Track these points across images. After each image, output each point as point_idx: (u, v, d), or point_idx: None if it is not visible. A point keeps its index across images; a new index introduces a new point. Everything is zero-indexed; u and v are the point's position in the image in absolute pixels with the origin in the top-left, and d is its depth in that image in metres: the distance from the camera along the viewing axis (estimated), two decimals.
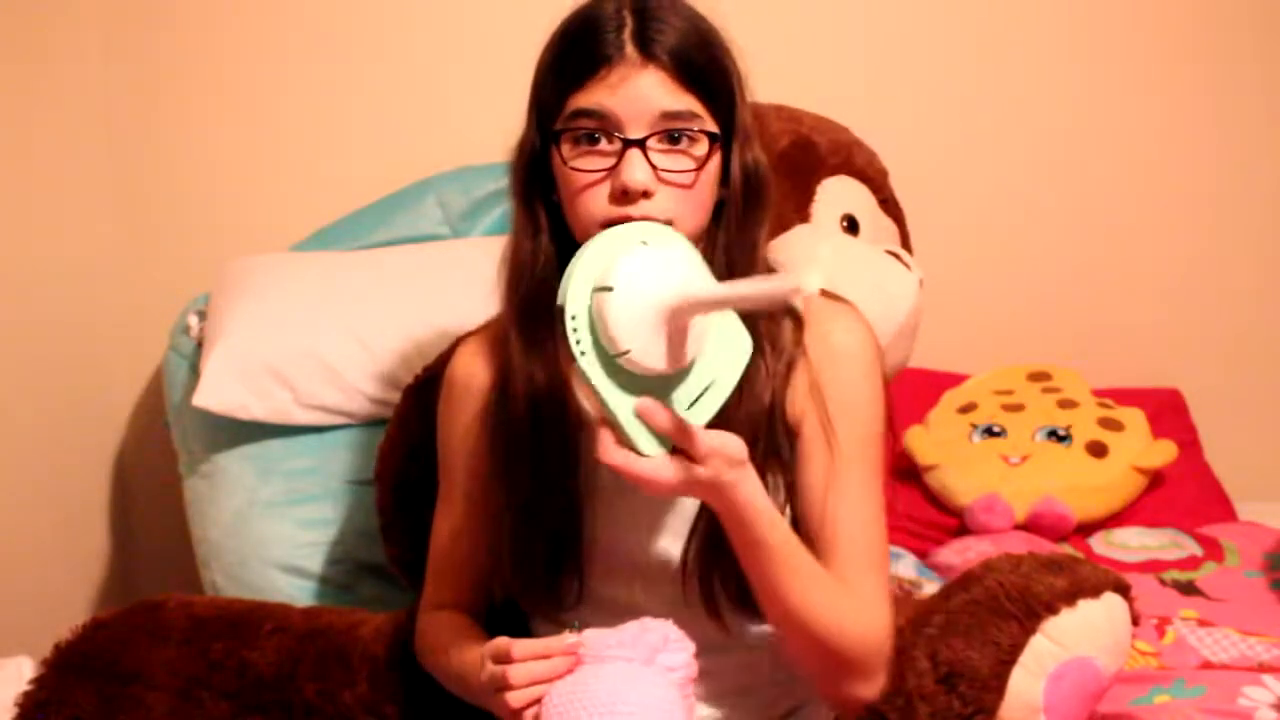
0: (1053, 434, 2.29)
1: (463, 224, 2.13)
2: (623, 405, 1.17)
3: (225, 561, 1.90)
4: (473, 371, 1.44)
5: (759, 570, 1.25)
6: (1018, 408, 2.35)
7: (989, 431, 2.31)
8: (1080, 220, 2.53)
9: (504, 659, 1.22)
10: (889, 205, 2.07)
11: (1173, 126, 2.52)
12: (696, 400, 1.19)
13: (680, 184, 1.27)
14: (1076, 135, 2.51)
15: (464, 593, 1.47)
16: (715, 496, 1.21)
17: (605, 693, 1.16)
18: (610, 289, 1.14)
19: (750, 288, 1.14)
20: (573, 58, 1.28)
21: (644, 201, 1.26)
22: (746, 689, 1.39)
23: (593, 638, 1.20)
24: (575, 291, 1.17)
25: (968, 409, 2.38)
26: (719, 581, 1.32)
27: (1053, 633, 1.38)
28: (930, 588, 1.87)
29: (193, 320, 2.04)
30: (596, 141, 1.27)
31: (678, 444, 1.18)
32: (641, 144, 1.26)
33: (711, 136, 1.28)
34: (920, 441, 2.30)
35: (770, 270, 1.36)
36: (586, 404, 1.29)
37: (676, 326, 1.15)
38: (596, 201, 1.27)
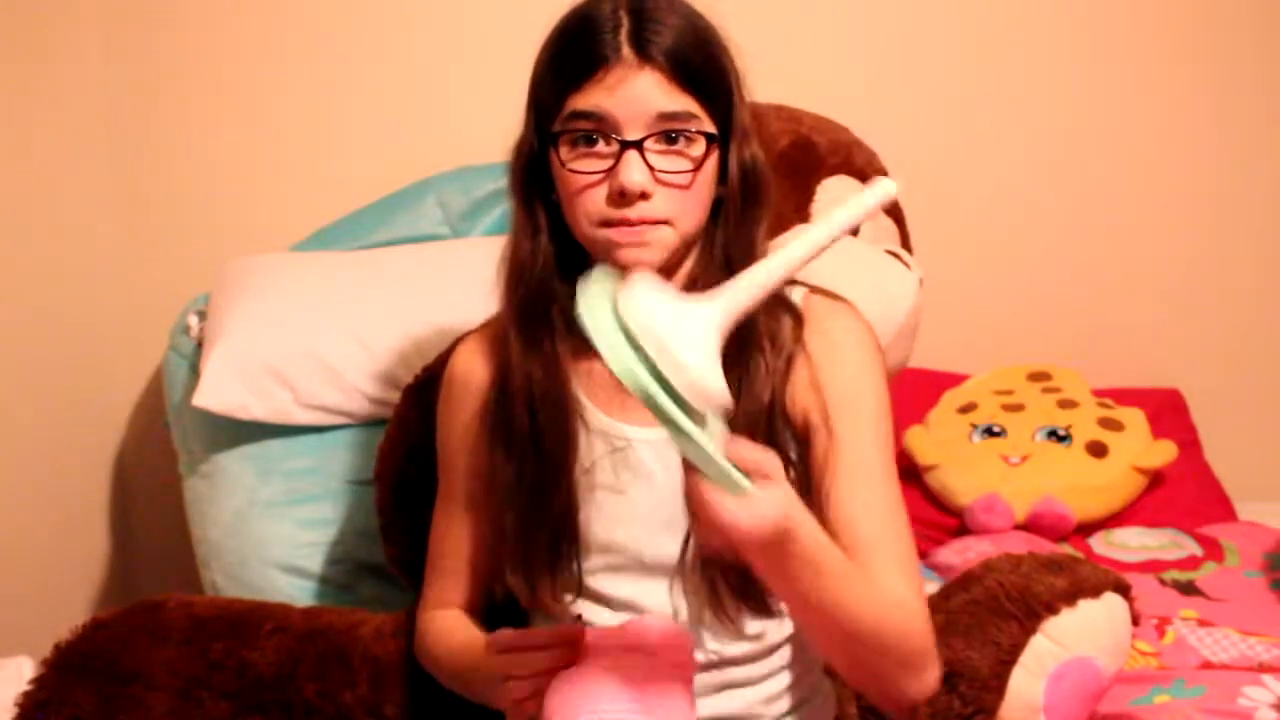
0: (1053, 434, 2.29)
1: (463, 224, 2.13)
2: (715, 451, 1.06)
3: (225, 561, 1.90)
4: (472, 369, 1.44)
5: (810, 589, 1.16)
6: (1018, 408, 2.35)
7: (989, 431, 2.31)
8: (1080, 220, 2.53)
9: (507, 649, 1.23)
10: (889, 205, 2.07)
11: (1173, 126, 2.52)
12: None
13: (678, 184, 1.28)
14: (1076, 135, 2.51)
15: (464, 592, 1.47)
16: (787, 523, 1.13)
17: (607, 683, 1.16)
18: (659, 339, 1.04)
19: (844, 213, 1.09)
20: (570, 59, 1.29)
21: (641, 203, 1.27)
22: (748, 683, 1.39)
23: (595, 633, 1.20)
24: (627, 364, 1.04)
25: (968, 409, 2.38)
26: (719, 575, 1.32)
27: (1053, 633, 1.38)
28: (930, 588, 1.86)
29: (193, 320, 2.04)
30: (594, 143, 1.27)
31: (756, 475, 1.08)
32: (638, 145, 1.26)
33: (709, 137, 1.29)
34: (920, 441, 2.30)
35: None
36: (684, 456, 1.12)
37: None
38: (595, 203, 1.28)
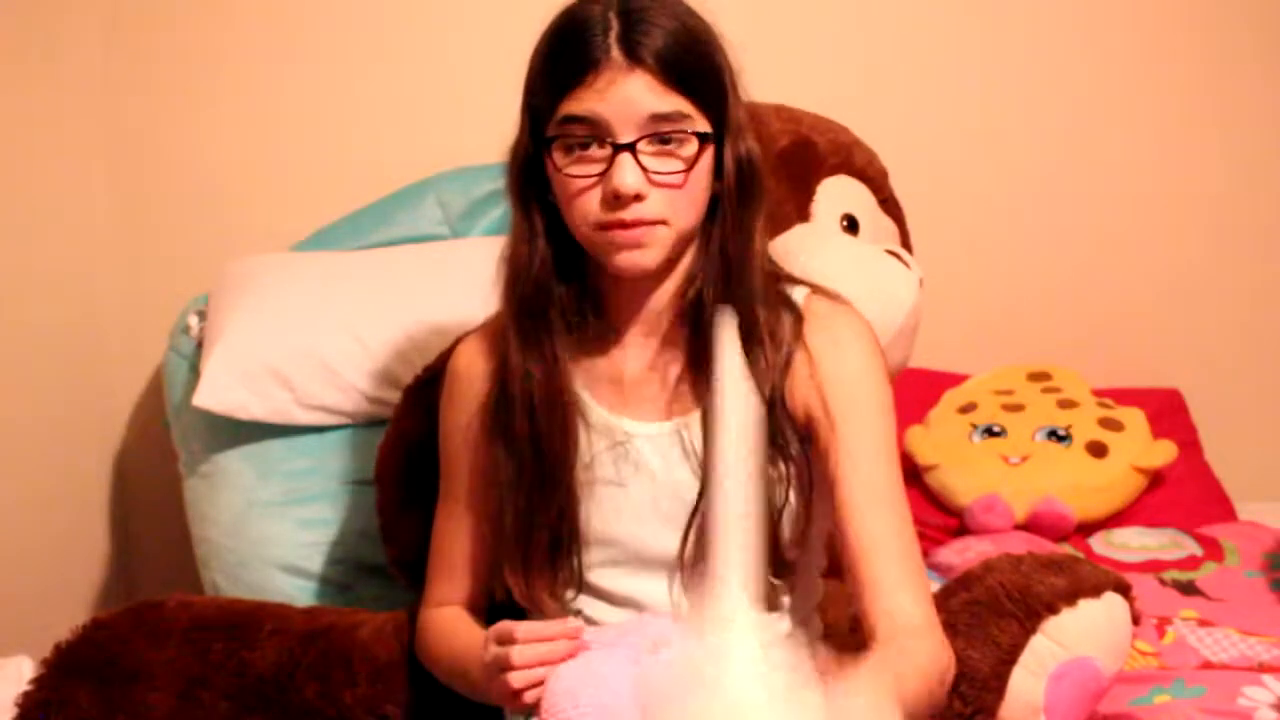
0: (1053, 434, 2.29)
1: (462, 224, 2.13)
2: None
3: (225, 561, 1.90)
4: (474, 367, 1.44)
5: None
6: (1018, 408, 2.35)
7: (989, 431, 2.31)
8: (1080, 220, 2.53)
9: (507, 641, 1.24)
10: (889, 205, 2.07)
11: (1173, 127, 2.52)
12: None
13: (672, 185, 1.28)
14: (1076, 135, 2.50)
15: (465, 590, 1.48)
16: None
17: (606, 674, 1.17)
18: None
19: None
20: (561, 62, 1.29)
21: (636, 204, 1.27)
22: None
23: (595, 630, 1.20)
24: None
25: (968, 409, 2.38)
26: None
27: (1053, 632, 1.38)
28: (931, 588, 1.86)
29: (193, 320, 2.04)
30: (587, 147, 1.28)
31: None
32: (631, 148, 1.26)
33: (702, 136, 1.29)
34: (920, 441, 2.30)
35: (767, 266, 1.37)
36: None
37: None
38: (590, 206, 1.29)
